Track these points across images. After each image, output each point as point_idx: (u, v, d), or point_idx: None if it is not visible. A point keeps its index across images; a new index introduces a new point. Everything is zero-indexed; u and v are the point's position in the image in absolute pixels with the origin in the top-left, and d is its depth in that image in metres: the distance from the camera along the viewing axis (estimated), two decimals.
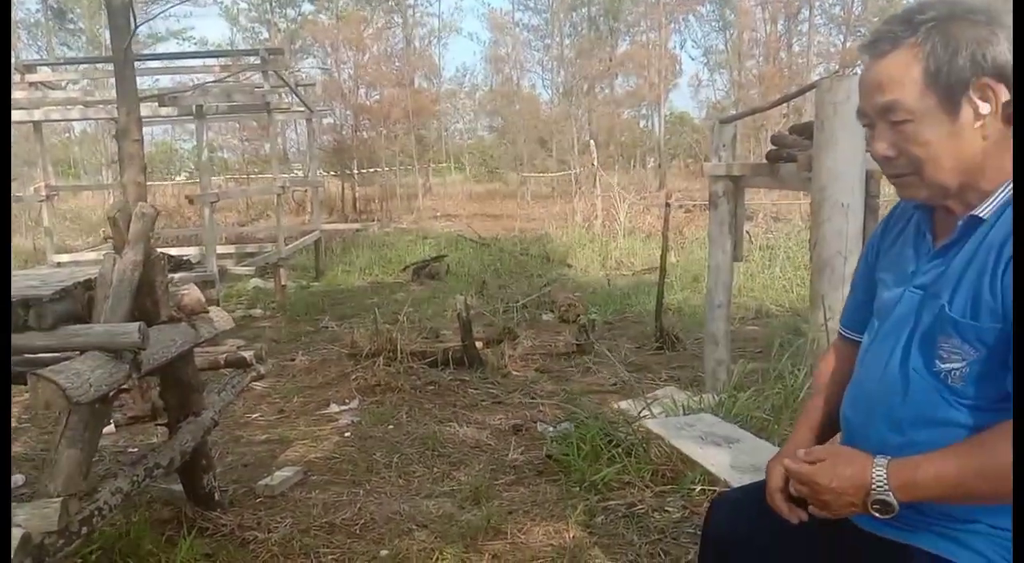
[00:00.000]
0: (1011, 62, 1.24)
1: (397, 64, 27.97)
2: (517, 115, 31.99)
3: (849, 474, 1.30)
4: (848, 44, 28.72)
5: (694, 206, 14.63)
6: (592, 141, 19.50)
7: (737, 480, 2.01)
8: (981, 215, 1.30)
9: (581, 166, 19.31)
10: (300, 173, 15.63)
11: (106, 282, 2.58)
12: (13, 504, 2.07)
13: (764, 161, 4.54)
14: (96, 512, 2.25)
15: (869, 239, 1.65)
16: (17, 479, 3.70)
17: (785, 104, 18.22)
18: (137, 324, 2.32)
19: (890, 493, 1.26)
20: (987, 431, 1.25)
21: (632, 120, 35.35)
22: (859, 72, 1.37)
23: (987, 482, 1.21)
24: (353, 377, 5.35)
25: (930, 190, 1.33)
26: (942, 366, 1.32)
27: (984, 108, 1.25)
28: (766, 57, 30.94)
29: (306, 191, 15.54)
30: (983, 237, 1.30)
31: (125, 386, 3.38)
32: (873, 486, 1.27)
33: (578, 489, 3.44)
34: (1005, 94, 1.24)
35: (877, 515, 1.28)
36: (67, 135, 30.05)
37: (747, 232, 10.65)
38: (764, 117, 20.85)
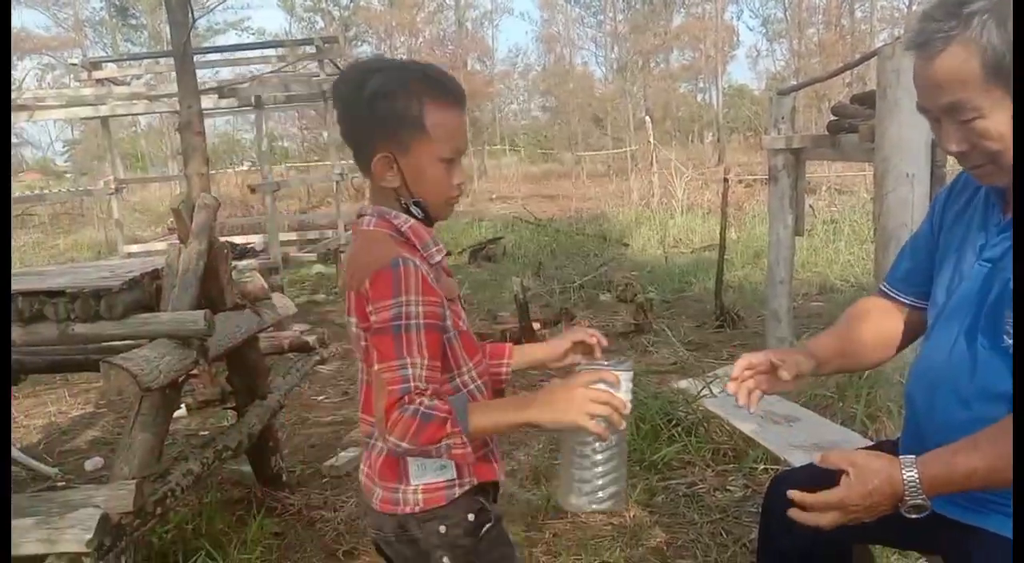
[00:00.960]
0: None
1: (450, 47, 28.03)
2: (571, 94, 31.70)
3: (879, 485, 1.24)
4: (913, 7, 27.65)
5: (754, 180, 14.34)
6: (648, 117, 19.24)
7: (798, 459, 1.97)
8: None
9: (637, 143, 19.07)
10: None
11: (172, 272, 2.66)
12: (93, 486, 2.17)
13: (825, 132, 4.42)
14: (169, 493, 2.34)
15: (933, 204, 1.60)
16: (96, 462, 3.87)
17: (848, 73, 17.67)
18: (203, 312, 2.39)
19: (923, 496, 1.23)
20: (1009, 418, 1.21)
21: (689, 94, 34.75)
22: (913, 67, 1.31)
23: (1010, 469, 1.17)
24: None
25: (1010, 175, 1.28)
26: (1009, 342, 1.28)
27: None
28: (827, 24, 30.00)
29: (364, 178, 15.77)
30: None
31: (194, 371, 3.51)
32: (906, 493, 1.23)
33: (638, 469, 3.43)
34: None
35: (912, 516, 1.25)
36: (134, 129, 30.97)
37: (809, 206, 10.42)
38: (826, 87, 20.27)
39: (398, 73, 1.35)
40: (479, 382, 1.44)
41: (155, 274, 2.89)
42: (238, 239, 8.70)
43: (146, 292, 2.86)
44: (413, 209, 1.39)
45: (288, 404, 4.60)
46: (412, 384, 1.23)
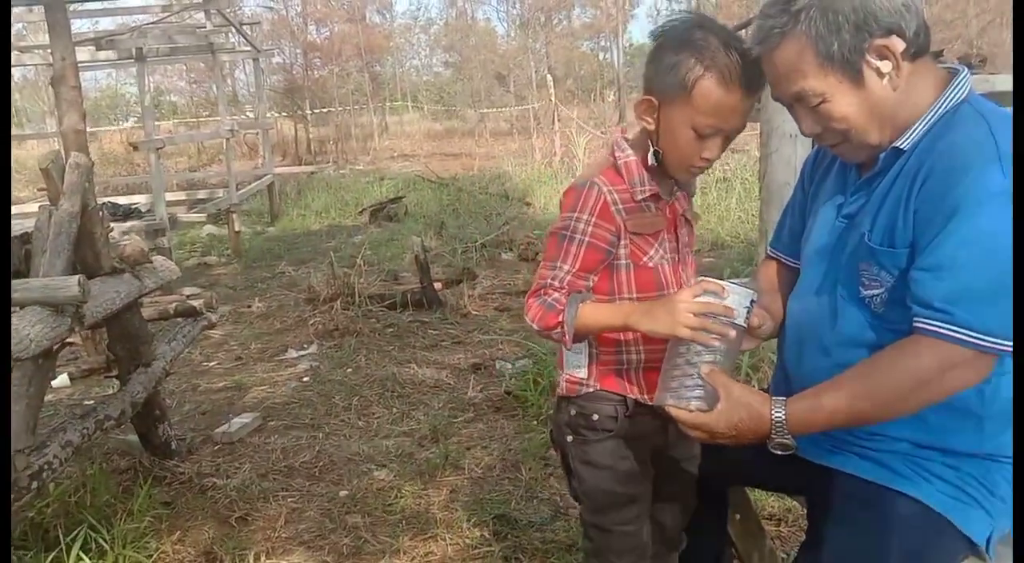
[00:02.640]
0: (895, 8, 1.24)
1: None
2: (473, 50, 31.30)
3: (746, 419, 1.31)
4: None
5: None
6: (549, 75, 19.24)
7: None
8: (901, 147, 1.33)
9: (539, 101, 19.07)
10: (252, 115, 15.26)
11: (43, 235, 2.52)
12: None
13: None
14: (46, 466, 2.25)
15: (802, 166, 1.67)
16: None
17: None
18: (77, 277, 2.27)
19: (788, 435, 1.30)
20: (872, 356, 1.30)
21: (591, 53, 34.86)
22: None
23: (873, 405, 1.26)
24: (311, 322, 5.34)
25: (866, 150, 1.36)
26: (865, 293, 1.36)
27: (885, 66, 1.27)
28: None
29: (257, 134, 15.21)
30: (901, 167, 1.32)
31: (72, 339, 3.35)
32: (772, 431, 1.31)
33: (535, 423, 3.50)
34: (899, 43, 1.25)
35: (777, 453, 1.32)
36: None
37: None
38: None
39: (706, 37, 1.38)
40: None
41: (24, 238, 2.73)
42: (122, 200, 8.30)
43: (15, 257, 2.71)
44: (651, 157, 1.48)
45: (177, 371, 4.46)
46: (552, 282, 1.47)
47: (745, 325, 1.37)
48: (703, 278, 1.38)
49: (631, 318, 1.40)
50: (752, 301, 1.36)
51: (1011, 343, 1.19)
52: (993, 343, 1.19)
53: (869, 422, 1.31)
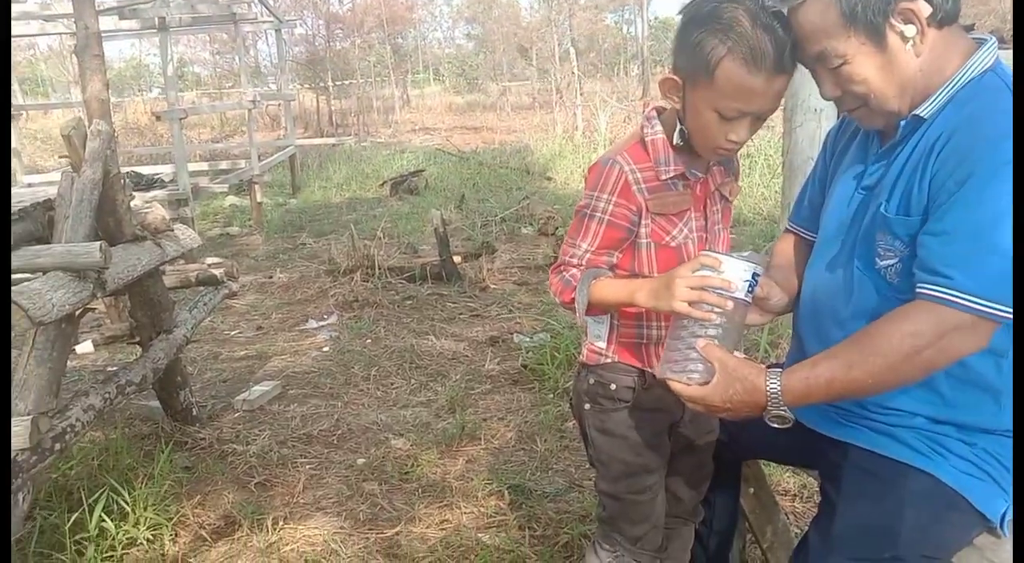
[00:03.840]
0: None
1: None
2: (496, 22, 31.04)
3: (741, 391, 1.30)
4: None
5: None
6: (572, 48, 19.07)
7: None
8: (922, 114, 1.30)
9: (562, 75, 18.91)
10: (274, 87, 15.26)
11: (65, 202, 2.54)
12: None
13: None
14: (69, 429, 2.29)
15: (825, 138, 1.64)
16: None
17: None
18: (99, 243, 2.30)
19: (784, 407, 1.29)
20: (868, 325, 1.28)
21: (615, 26, 34.46)
22: None
23: (867, 372, 1.24)
24: (331, 293, 5.37)
25: (884, 117, 1.34)
26: (881, 263, 1.34)
27: (909, 30, 1.24)
28: None
29: (279, 105, 15.21)
30: (922, 135, 1.30)
31: (95, 305, 3.40)
32: (769, 403, 1.29)
33: (552, 396, 3.51)
34: (925, 7, 1.22)
35: (775, 426, 1.32)
36: (32, 52, 29.05)
37: None
38: None
39: (735, 14, 1.30)
40: None
41: (47, 204, 2.76)
42: (145, 169, 8.36)
43: (38, 223, 2.74)
44: (676, 135, 1.46)
45: (200, 339, 4.53)
46: (572, 259, 1.51)
47: (747, 299, 1.34)
48: (703, 252, 1.37)
49: (636, 295, 1.40)
50: (755, 274, 1.33)
51: (1011, 310, 1.17)
52: (992, 308, 1.17)
53: (868, 391, 1.28)
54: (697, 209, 1.53)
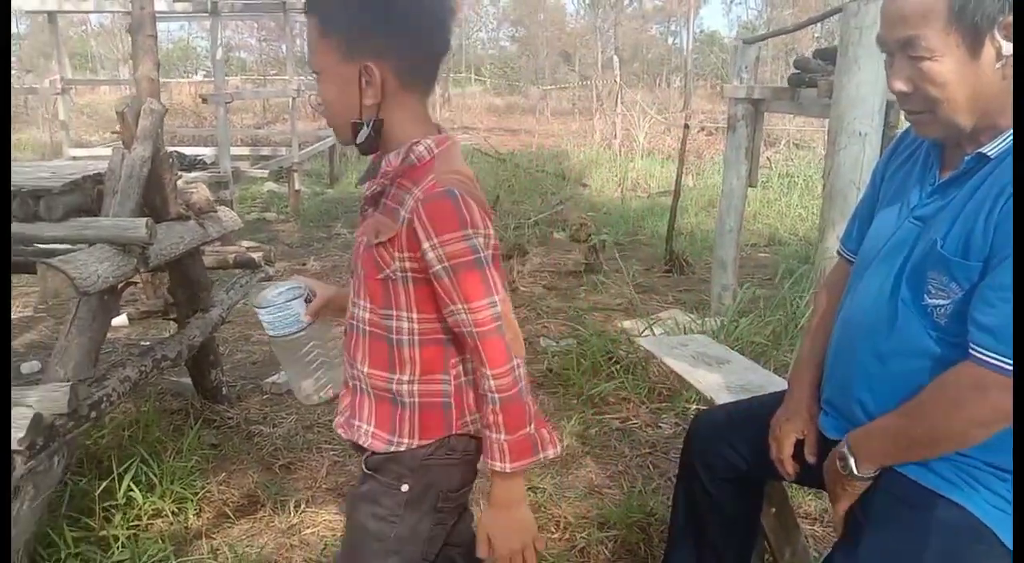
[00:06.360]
0: None
1: None
2: (541, 26, 31.13)
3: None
4: None
5: (716, 129, 14.37)
6: (616, 57, 19.04)
7: (723, 399, 2.06)
8: (988, 153, 1.27)
9: (604, 82, 18.89)
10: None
11: (115, 177, 2.59)
12: (26, 388, 2.15)
13: (786, 85, 4.44)
14: (105, 398, 2.34)
15: (877, 162, 1.63)
16: (33, 365, 3.82)
17: (817, 27, 17.61)
18: (145, 219, 2.35)
19: (863, 470, 1.38)
20: (924, 397, 1.30)
21: (660, 37, 34.38)
22: None
23: (932, 452, 1.32)
24: None
25: (945, 129, 1.30)
26: (929, 301, 1.31)
27: (1007, 48, 1.20)
28: None
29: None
30: (987, 176, 1.27)
31: (135, 280, 3.46)
32: (845, 472, 1.39)
33: (575, 402, 3.52)
34: None
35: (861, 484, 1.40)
36: (84, 28, 29.58)
37: (767, 158, 10.51)
38: (795, 40, 20.20)
39: None
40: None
41: (97, 178, 2.82)
42: (188, 150, 8.48)
43: (87, 196, 2.79)
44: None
45: (232, 320, 4.58)
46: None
47: (297, 323, 1.46)
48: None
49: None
50: (288, 297, 1.45)
51: None
52: None
53: (927, 449, 1.33)
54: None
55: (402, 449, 1.34)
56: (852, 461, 1.37)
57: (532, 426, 1.26)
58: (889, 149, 1.60)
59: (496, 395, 1.23)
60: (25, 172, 2.70)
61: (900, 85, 1.30)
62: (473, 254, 1.21)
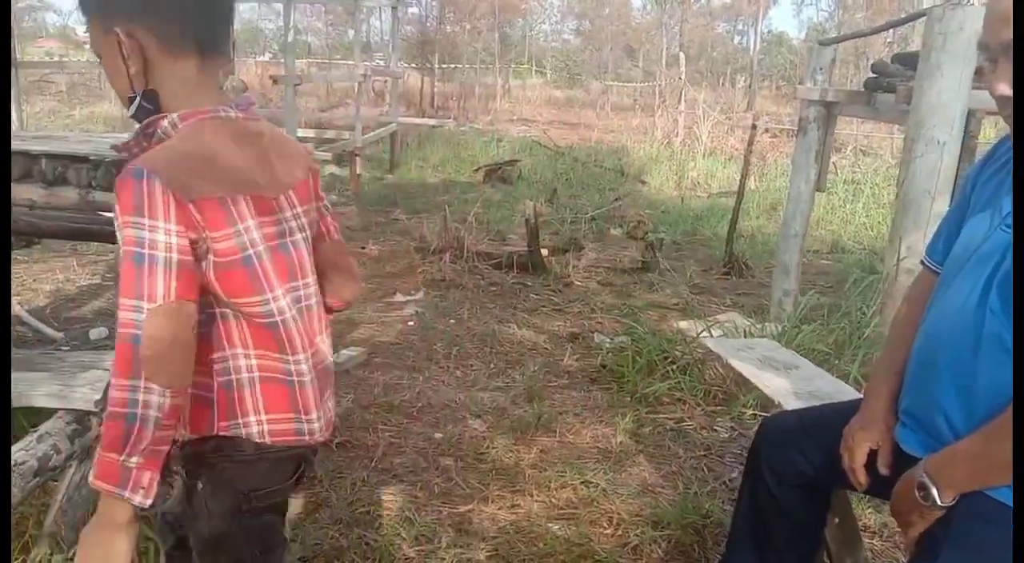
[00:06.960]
0: None
1: None
2: (606, 20, 30.94)
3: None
4: None
5: (781, 131, 14.13)
6: (682, 53, 18.83)
7: (791, 404, 2.03)
8: None
9: (667, 79, 18.69)
10: (381, 63, 15.56)
11: None
12: (102, 352, 2.22)
13: (861, 89, 4.34)
14: None
15: (968, 171, 1.58)
16: (101, 332, 3.95)
17: (891, 32, 17.16)
18: None
19: (949, 498, 1.32)
20: (1006, 411, 1.25)
21: (727, 35, 33.88)
22: (978, 1, 1.28)
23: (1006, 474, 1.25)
24: (420, 270, 5.48)
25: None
26: None
27: None
28: None
29: (386, 82, 15.49)
30: None
31: None
32: (926, 503, 1.33)
33: (629, 400, 3.50)
34: None
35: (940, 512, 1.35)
36: None
37: (833, 163, 10.29)
38: (866, 44, 19.75)
39: None
40: None
41: None
42: None
43: None
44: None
45: None
46: None
47: None
48: None
49: None
50: None
51: None
52: None
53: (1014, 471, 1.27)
54: None
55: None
56: (935, 491, 1.31)
57: (131, 459, 1.09)
58: (983, 157, 1.55)
59: (108, 405, 1.11)
60: (107, 143, 2.78)
61: (1004, 89, 1.25)
62: (135, 246, 1.09)
